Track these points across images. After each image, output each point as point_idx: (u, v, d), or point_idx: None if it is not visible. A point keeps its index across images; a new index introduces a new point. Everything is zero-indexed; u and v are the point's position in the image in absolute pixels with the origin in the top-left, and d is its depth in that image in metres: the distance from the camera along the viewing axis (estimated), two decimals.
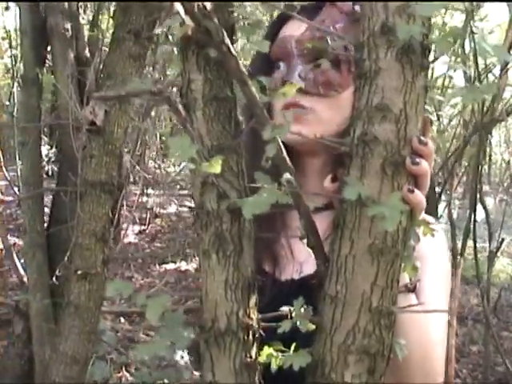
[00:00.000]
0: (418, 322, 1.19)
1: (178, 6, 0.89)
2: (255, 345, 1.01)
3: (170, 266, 8.71)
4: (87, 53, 3.29)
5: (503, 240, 4.88)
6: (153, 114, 9.51)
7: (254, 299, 1.02)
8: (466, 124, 3.89)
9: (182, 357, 4.34)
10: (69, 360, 2.62)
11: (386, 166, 0.91)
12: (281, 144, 0.91)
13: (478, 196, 4.07)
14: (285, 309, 1.01)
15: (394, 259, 0.93)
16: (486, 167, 22.05)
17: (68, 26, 3.07)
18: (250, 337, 1.01)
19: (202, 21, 0.86)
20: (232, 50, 0.88)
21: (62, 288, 2.81)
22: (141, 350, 0.96)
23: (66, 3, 3.10)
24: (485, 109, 3.63)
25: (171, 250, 9.44)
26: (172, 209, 12.08)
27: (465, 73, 3.85)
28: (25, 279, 3.24)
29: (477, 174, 3.72)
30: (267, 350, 1.01)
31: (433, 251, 1.43)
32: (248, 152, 1.08)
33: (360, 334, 0.93)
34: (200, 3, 0.85)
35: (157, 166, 11.36)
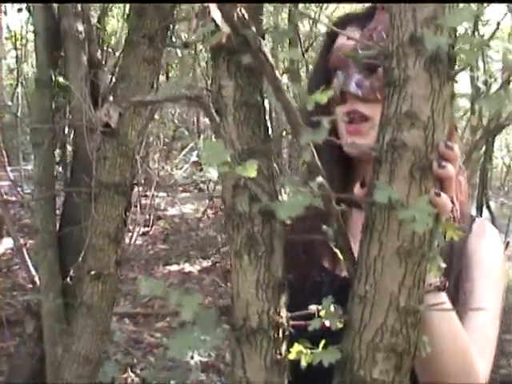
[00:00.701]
0: (453, 323, 1.23)
1: (216, 15, 0.93)
2: (285, 342, 1.05)
3: (174, 268, 8.76)
4: (99, 55, 3.33)
5: (508, 243, 4.91)
6: (156, 116, 9.56)
7: (283, 298, 1.06)
8: (473, 129, 3.93)
9: (192, 357, 4.37)
10: (81, 360, 2.66)
11: (414, 171, 0.94)
12: (313, 149, 0.95)
13: (484, 199, 4.12)
14: (313, 307, 1.05)
15: (420, 260, 0.96)
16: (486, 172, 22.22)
17: (81, 28, 3.10)
18: (280, 335, 1.04)
19: (240, 29, 0.89)
20: (269, 57, 0.92)
21: (73, 288, 2.85)
22: (172, 346, 0.99)
23: (79, 6, 3.13)
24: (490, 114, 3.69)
25: (174, 252, 9.48)
26: (175, 211, 12.13)
27: (472, 78, 3.91)
28: (36, 279, 3.28)
29: (483, 177, 3.77)
30: (297, 347, 1.05)
31: (488, 254, 1.49)
32: None
33: (388, 332, 0.97)
34: (239, 11, 0.89)
35: (160, 168, 11.40)
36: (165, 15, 2.61)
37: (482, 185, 3.91)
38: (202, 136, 14.02)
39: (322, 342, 1.04)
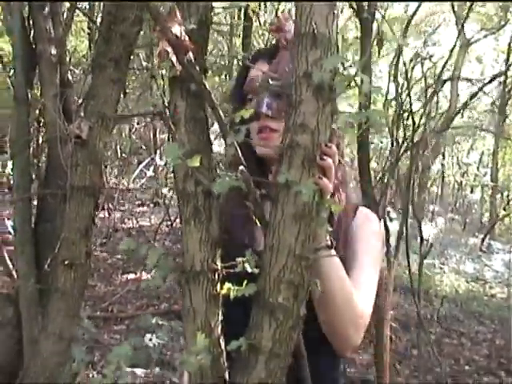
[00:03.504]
0: (340, 273, 1.77)
1: (173, 57, 1.39)
2: (219, 282, 1.52)
3: (131, 276, 9.10)
4: (69, 76, 3.71)
5: (432, 245, 5.36)
6: (114, 131, 9.89)
7: (218, 252, 1.53)
8: (398, 143, 4.40)
9: (151, 339, 4.77)
10: (56, 338, 3.02)
11: (305, 162, 1.41)
12: (237, 147, 1.42)
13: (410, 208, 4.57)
14: (238, 259, 1.51)
15: (310, 222, 1.43)
16: (438, 189, 22.66)
17: (54, 52, 3.48)
18: (216, 277, 1.52)
19: (189, 68, 1.36)
20: (207, 86, 1.39)
21: (48, 277, 3.17)
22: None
23: (52, 31, 3.52)
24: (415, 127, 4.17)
25: (131, 262, 9.82)
26: (131, 224, 12.45)
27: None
28: (13, 272, 3.65)
29: (409, 182, 4.22)
30: (227, 285, 1.51)
31: (369, 235, 1.99)
32: None
33: (288, 271, 1.44)
34: (188, 55, 1.35)
35: (117, 182, 11.72)
36: (129, 41, 2.98)
37: (407, 194, 4.36)
38: (158, 151, 14.31)
39: (245, 282, 1.50)
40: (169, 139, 13.73)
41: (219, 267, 1.52)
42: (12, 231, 4.65)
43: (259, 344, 1.47)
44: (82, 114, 3.08)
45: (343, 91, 1.42)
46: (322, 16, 1.43)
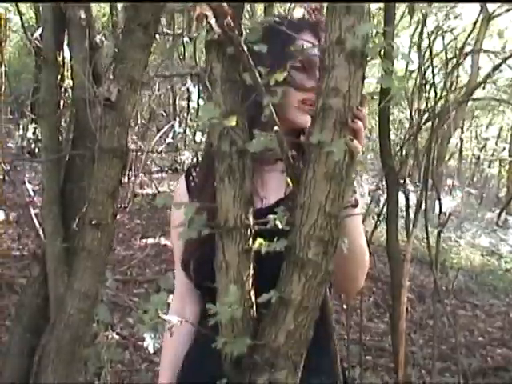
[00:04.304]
0: (360, 229, 1.90)
1: (212, 21, 1.45)
2: (251, 238, 1.59)
3: (150, 241, 9.20)
4: (97, 39, 3.77)
5: (450, 215, 5.41)
6: None
7: (251, 208, 1.59)
8: (419, 113, 4.43)
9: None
10: (82, 296, 3.10)
11: (336, 124, 1.47)
12: (272, 108, 1.48)
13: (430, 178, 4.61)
14: (271, 216, 1.57)
15: (339, 182, 1.49)
16: (456, 163, 22.65)
17: (83, 16, 3.54)
18: (248, 232, 1.59)
19: (228, 31, 1.42)
20: (244, 49, 1.45)
21: (74, 237, 3.25)
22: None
23: None
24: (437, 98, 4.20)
25: (150, 227, 9.93)
26: (150, 190, 12.54)
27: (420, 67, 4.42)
28: (40, 232, 3.74)
29: (430, 154, 4.26)
30: (259, 240, 1.57)
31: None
32: (249, 116, 1.64)
33: (318, 227, 1.50)
34: (228, 19, 1.41)
35: (137, 147, 11.77)
36: (157, 7, 3.04)
37: (428, 164, 4.39)
38: (177, 119, 14.35)
39: (276, 237, 1.56)
40: (188, 107, 13.82)
41: (251, 223, 1.59)
42: (33, 194, 4.74)
43: (289, 297, 1.54)
44: (111, 77, 3.14)
45: (375, 57, 1.48)
46: None
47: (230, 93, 1.59)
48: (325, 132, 1.47)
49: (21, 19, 8.85)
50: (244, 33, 1.59)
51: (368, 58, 1.48)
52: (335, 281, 1.96)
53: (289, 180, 1.57)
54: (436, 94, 4.17)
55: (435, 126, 4.19)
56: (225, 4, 1.44)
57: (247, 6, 3.52)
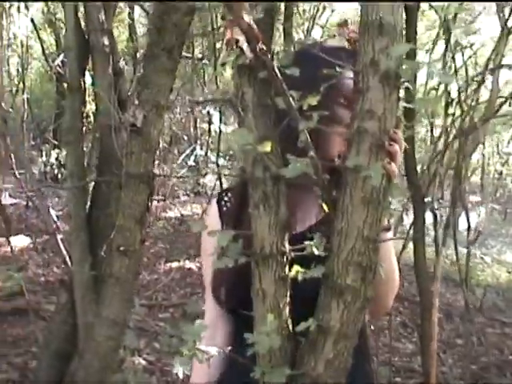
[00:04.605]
0: (390, 253, 1.86)
1: (245, 46, 1.43)
2: (287, 265, 1.56)
3: (175, 265, 9.18)
4: (120, 65, 3.78)
5: (480, 232, 5.36)
6: None
7: (286, 235, 1.57)
8: (446, 131, 4.40)
9: None
10: (110, 323, 3.09)
11: (372, 147, 1.44)
12: (307, 134, 1.45)
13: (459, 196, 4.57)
14: (307, 242, 1.55)
15: (377, 206, 1.46)
16: (478, 178, 22.55)
17: (106, 42, 3.55)
18: (285, 259, 1.56)
19: (261, 56, 1.40)
20: (278, 73, 1.43)
21: (101, 264, 3.26)
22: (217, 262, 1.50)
23: (105, 23, 3.58)
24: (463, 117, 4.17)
25: (175, 250, 9.91)
26: (173, 213, 12.54)
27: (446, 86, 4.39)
28: (67, 258, 3.74)
29: (458, 172, 4.23)
30: (296, 267, 1.55)
31: None
32: (282, 141, 1.62)
33: (356, 253, 1.48)
34: (260, 44, 1.39)
35: (160, 170, 11.79)
36: (181, 31, 3.03)
37: (456, 182, 4.36)
38: (198, 141, 14.38)
39: (313, 264, 1.54)
40: (209, 130, 13.84)
41: (287, 250, 1.56)
42: (57, 220, 4.74)
43: (327, 325, 1.51)
44: (136, 102, 3.14)
45: (409, 79, 1.45)
46: (387, 4, 1.46)
47: (262, 118, 1.56)
48: (361, 156, 1.44)
49: (42, 46, 8.95)
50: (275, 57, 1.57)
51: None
52: None
53: (324, 205, 1.55)
54: (462, 110, 4.14)
55: (462, 143, 4.16)
56: (256, 28, 1.42)
57: None
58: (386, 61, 1.42)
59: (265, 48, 1.41)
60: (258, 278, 1.56)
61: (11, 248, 5.71)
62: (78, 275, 3.39)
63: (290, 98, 1.44)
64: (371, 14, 1.46)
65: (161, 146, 13.42)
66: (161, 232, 11.12)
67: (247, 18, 1.41)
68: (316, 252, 1.51)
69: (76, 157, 3.49)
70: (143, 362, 5.95)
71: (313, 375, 1.54)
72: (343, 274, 1.49)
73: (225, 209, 2.09)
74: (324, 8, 13.73)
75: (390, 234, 1.75)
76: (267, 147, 1.44)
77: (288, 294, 1.59)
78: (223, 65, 1.50)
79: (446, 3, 4.00)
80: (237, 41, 1.46)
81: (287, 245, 1.57)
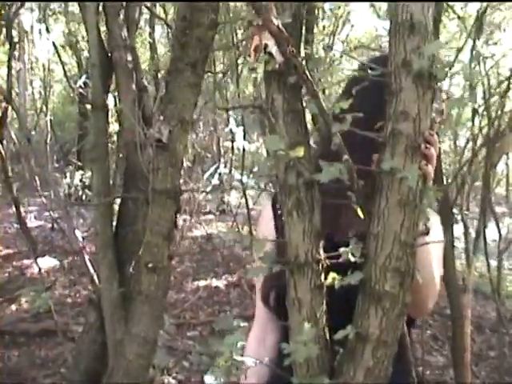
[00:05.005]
0: (429, 258, 1.77)
1: (274, 50, 1.40)
2: (323, 272, 1.53)
3: (202, 283, 9.15)
4: (144, 81, 3.76)
5: (510, 242, 5.29)
6: None
7: (321, 242, 1.53)
8: (474, 138, 4.37)
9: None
10: (141, 341, 3.06)
11: (408, 149, 1.41)
12: (340, 137, 1.42)
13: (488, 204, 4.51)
14: (343, 249, 1.52)
15: (414, 209, 1.43)
16: (503, 189, 22.38)
17: (129, 58, 3.54)
18: (320, 267, 1.52)
19: (292, 59, 1.37)
20: (309, 77, 1.40)
21: (129, 281, 3.22)
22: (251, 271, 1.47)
23: (127, 40, 3.57)
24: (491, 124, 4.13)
25: (201, 269, 9.89)
26: (198, 232, 12.52)
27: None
28: (95, 277, 3.71)
29: (486, 181, 4.18)
30: (332, 275, 1.51)
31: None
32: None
33: (394, 258, 1.44)
34: (290, 47, 1.37)
35: (185, 187, 11.76)
36: (205, 45, 3.01)
37: (485, 192, 4.32)
38: (222, 159, 14.37)
39: (350, 270, 1.50)
40: (232, 148, 13.83)
41: (322, 257, 1.53)
42: (82, 240, 4.73)
43: (366, 332, 1.47)
44: (161, 117, 3.11)
45: (443, 78, 1.42)
46: (417, 4, 1.43)
47: (292, 123, 1.54)
48: (396, 158, 1.41)
49: (63, 68, 8.99)
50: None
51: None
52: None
53: (358, 210, 1.51)
54: (490, 117, 4.10)
55: (490, 151, 4.11)
56: (285, 31, 1.40)
57: None
58: (419, 60, 1.39)
59: (295, 51, 1.39)
60: (294, 286, 1.53)
61: (39, 269, 5.71)
62: (107, 293, 3.35)
63: (322, 102, 1.42)
64: (402, 13, 1.44)
65: (184, 165, 13.44)
66: (187, 251, 11.10)
67: (276, 22, 1.39)
68: (352, 259, 1.48)
69: (102, 174, 3.47)
70: (173, 382, 5.92)
71: None
72: (381, 279, 1.46)
73: (280, 212, 2.07)
74: (343, 23, 13.70)
75: (427, 238, 1.71)
76: (300, 152, 1.42)
77: (324, 302, 1.55)
78: (252, 70, 1.47)
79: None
80: (265, 46, 1.44)
81: (322, 252, 1.54)
